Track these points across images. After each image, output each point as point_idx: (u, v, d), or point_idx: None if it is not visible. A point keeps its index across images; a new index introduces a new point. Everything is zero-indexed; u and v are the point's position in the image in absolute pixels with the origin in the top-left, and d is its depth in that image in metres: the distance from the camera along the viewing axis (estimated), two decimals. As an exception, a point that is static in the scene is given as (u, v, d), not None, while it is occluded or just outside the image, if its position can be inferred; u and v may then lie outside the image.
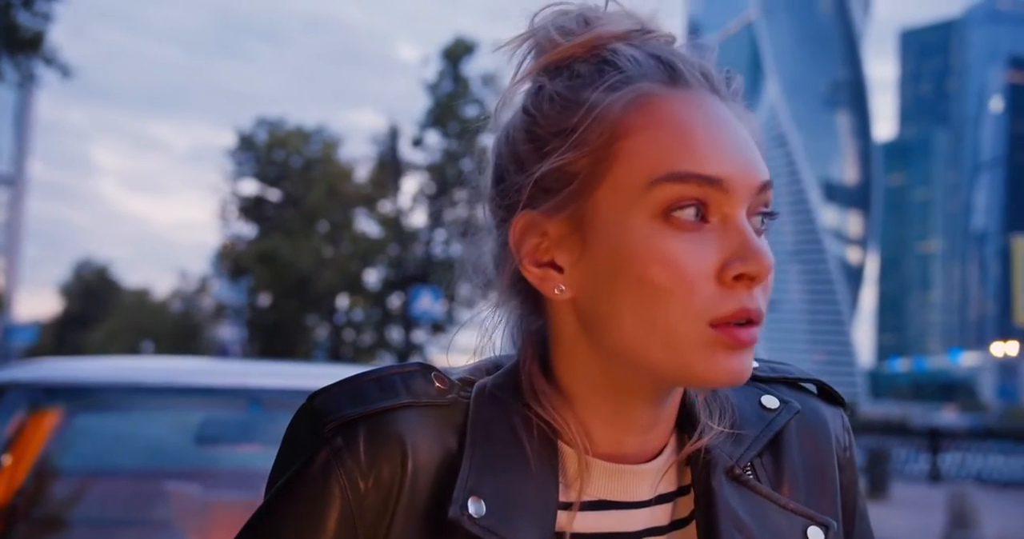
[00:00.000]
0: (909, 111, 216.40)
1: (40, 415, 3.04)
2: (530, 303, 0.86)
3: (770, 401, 0.91)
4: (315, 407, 0.81)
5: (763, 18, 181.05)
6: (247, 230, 34.94)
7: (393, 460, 0.79)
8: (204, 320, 51.08)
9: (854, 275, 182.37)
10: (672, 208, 0.76)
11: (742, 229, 0.77)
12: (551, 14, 0.85)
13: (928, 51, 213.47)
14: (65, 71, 15.58)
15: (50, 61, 15.28)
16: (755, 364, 0.94)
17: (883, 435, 23.28)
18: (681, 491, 0.87)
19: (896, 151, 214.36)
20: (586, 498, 0.82)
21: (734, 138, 0.79)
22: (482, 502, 0.78)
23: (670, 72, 0.80)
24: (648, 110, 0.79)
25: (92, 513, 2.97)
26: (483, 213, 0.90)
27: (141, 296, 70.73)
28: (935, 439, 20.68)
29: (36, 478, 2.98)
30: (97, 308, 71.97)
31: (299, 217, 32.23)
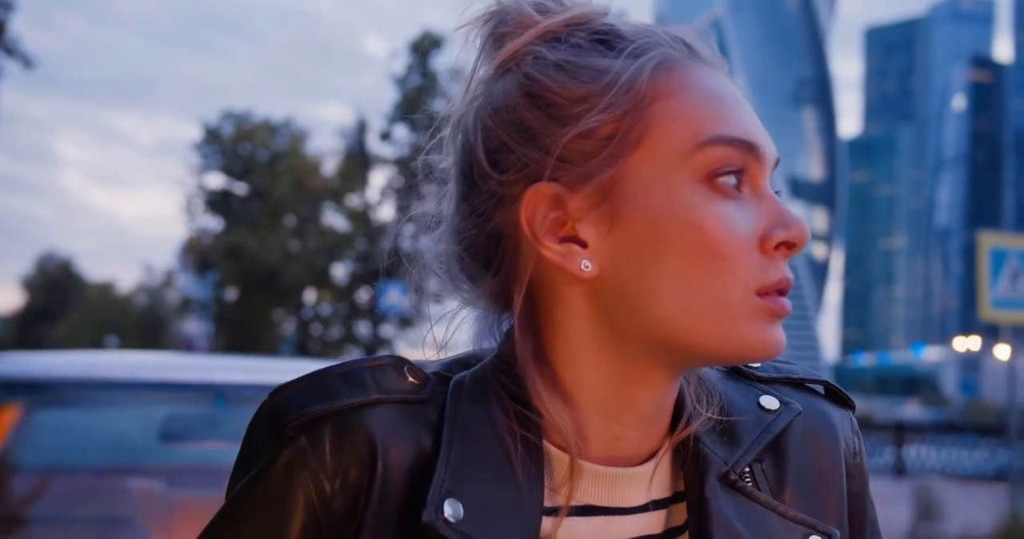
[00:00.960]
0: (874, 108, 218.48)
1: (-2, 411, 2.97)
2: (523, 290, 0.79)
3: (769, 402, 0.86)
4: (277, 404, 0.76)
5: (730, 15, 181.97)
6: (213, 224, 34.70)
7: (362, 461, 0.73)
8: (170, 314, 50.68)
9: (819, 271, 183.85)
10: (716, 173, 0.74)
11: (775, 198, 0.76)
12: None
13: (893, 49, 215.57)
14: (27, 61, 15.41)
15: (11, 51, 15.08)
16: (756, 362, 0.89)
17: (848, 429, 23.42)
18: (677, 497, 0.82)
19: (861, 148, 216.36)
20: (573, 503, 0.77)
21: (752, 111, 0.78)
22: (459, 505, 0.72)
23: (683, 44, 0.79)
24: (676, 75, 0.76)
25: (53, 511, 2.91)
26: (455, 200, 0.83)
27: (105, 290, 70.05)
28: (900, 433, 20.90)
29: (-6, 475, 2.91)
30: (60, 302, 71.17)
31: (266, 211, 32.02)
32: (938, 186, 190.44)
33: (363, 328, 30.80)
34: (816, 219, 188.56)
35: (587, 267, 0.75)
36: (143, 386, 2.97)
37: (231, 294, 34.09)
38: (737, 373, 0.89)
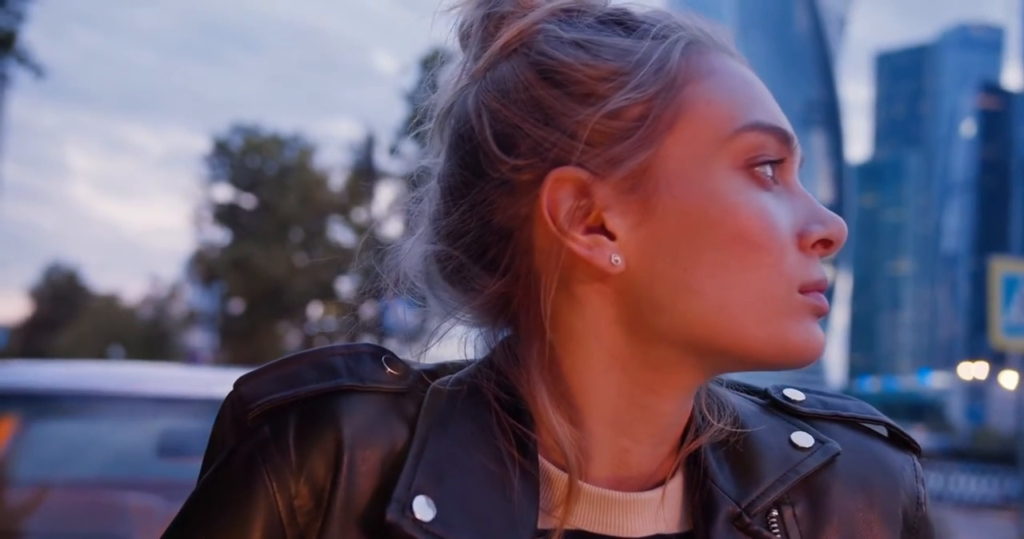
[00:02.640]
0: (882, 133, 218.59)
1: (-7, 422, 2.92)
2: (530, 290, 0.72)
3: (802, 439, 0.76)
4: (240, 393, 0.70)
5: (739, 35, 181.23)
6: (220, 236, 34.77)
7: (327, 454, 0.67)
8: (175, 326, 50.69)
9: (826, 294, 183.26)
10: (755, 161, 0.69)
11: (808, 194, 0.71)
12: None
13: (902, 74, 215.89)
14: (38, 71, 15.41)
15: (23, 60, 15.10)
16: (800, 396, 0.81)
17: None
18: (689, 536, 0.73)
19: (869, 172, 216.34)
20: (565, 527, 0.70)
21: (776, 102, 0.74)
22: (432, 504, 0.65)
23: (702, 32, 0.73)
24: (705, 59, 0.71)
25: (48, 525, 2.85)
26: (447, 196, 0.75)
27: (111, 301, 70.16)
28: (905, 459, 20.75)
29: (-11, 487, 2.85)
30: (66, 312, 71.26)
31: (273, 224, 32.07)
32: (946, 211, 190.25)
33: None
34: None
35: (617, 262, 0.68)
36: (141, 399, 2.92)
37: (237, 307, 34.10)
38: (776, 407, 0.80)
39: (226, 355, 33.21)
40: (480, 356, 0.76)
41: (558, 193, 0.69)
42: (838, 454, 0.76)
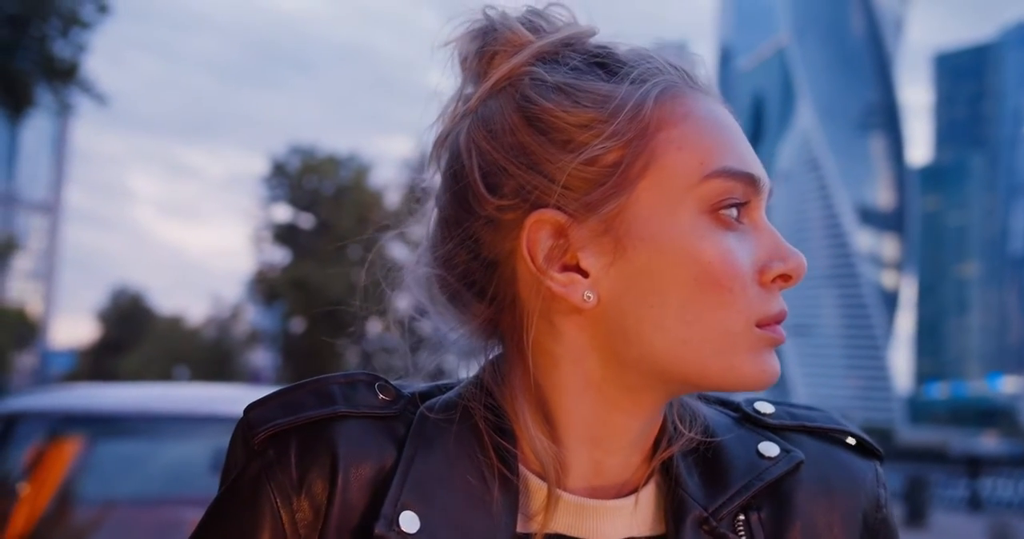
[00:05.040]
0: (944, 135, 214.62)
1: (60, 443, 3.04)
2: (515, 318, 0.78)
3: (768, 448, 0.82)
4: (248, 419, 0.77)
5: (795, 41, 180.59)
6: (280, 256, 35.27)
7: (325, 473, 0.74)
8: (238, 346, 51.42)
9: (890, 300, 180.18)
10: (720, 205, 0.73)
11: (773, 230, 0.76)
12: (502, 12, 0.81)
13: (962, 75, 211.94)
14: (101, 99, 15.80)
15: (87, 90, 15.49)
16: (770, 408, 0.87)
17: (921, 462, 22.92)
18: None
19: (932, 175, 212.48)
20: (545, 531, 0.76)
21: (747, 141, 0.77)
22: (416, 519, 0.72)
23: (682, 73, 0.78)
24: (679, 103, 0.75)
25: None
26: (444, 225, 0.81)
27: (175, 323, 71.40)
28: (975, 466, 20.35)
29: (58, 506, 2.97)
30: (132, 334, 72.63)
31: (331, 243, 32.47)
32: (1012, 213, 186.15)
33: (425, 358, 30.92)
34: (886, 247, 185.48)
35: (589, 298, 0.74)
36: (197, 419, 3.02)
37: (297, 326, 34.52)
38: (747, 420, 0.86)
39: (288, 373, 33.63)
40: (472, 374, 0.83)
41: (537, 234, 0.74)
42: (802, 462, 0.81)
